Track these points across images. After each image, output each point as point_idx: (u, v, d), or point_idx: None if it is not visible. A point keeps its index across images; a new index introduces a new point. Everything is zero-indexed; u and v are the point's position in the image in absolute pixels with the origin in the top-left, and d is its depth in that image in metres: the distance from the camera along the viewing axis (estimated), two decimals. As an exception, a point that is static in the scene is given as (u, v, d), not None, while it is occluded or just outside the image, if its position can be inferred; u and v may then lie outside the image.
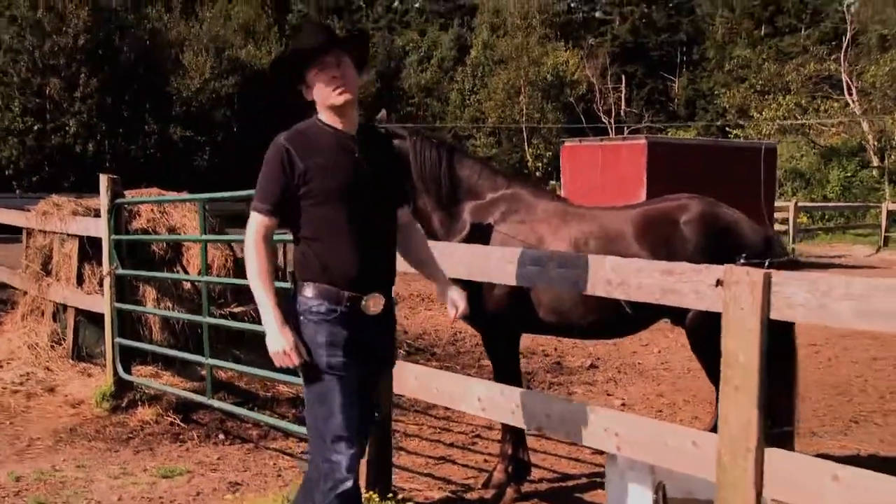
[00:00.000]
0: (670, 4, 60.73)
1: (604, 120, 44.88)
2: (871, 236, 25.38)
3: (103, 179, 6.42)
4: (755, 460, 2.80)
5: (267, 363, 6.64)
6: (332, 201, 2.96)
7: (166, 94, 34.91)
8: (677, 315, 4.43)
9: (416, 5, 64.07)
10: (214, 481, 4.98)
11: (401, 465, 5.32)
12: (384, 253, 3.08)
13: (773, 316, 2.79)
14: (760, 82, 35.28)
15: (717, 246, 4.36)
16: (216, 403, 5.85)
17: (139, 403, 6.44)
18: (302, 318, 2.99)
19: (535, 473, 5.09)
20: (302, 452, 5.63)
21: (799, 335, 9.73)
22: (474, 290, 4.39)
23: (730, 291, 2.84)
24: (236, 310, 7.71)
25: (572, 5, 58.63)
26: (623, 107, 50.26)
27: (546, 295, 4.44)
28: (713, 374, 3.35)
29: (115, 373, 6.47)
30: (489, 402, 3.82)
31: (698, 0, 60.73)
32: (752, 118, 34.38)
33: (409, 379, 4.24)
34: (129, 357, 6.66)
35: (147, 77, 34.04)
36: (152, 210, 7.82)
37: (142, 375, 6.81)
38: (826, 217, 28.91)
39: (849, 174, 32.11)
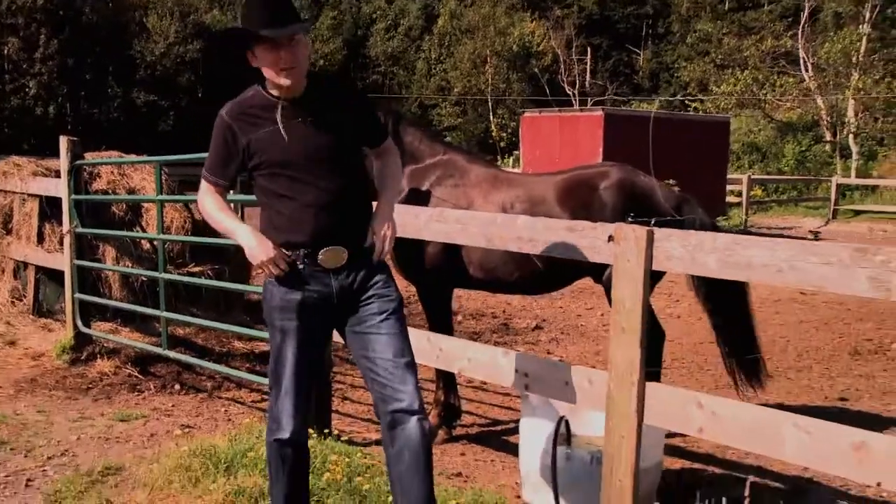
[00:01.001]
0: (634, -23, 60.95)
1: (568, 91, 45.18)
2: (821, 209, 25.98)
3: (63, 141, 6.66)
4: (638, 392, 3.20)
5: (222, 320, 7.00)
6: (279, 171, 2.96)
7: (130, 58, 34.76)
8: (597, 273, 4.83)
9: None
10: (168, 425, 5.31)
11: (345, 412, 5.72)
12: (343, 210, 3.01)
13: (655, 267, 3.18)
14: (720, 57, 35.79)
15: (633, 210, 4.74)
16: (172, 354, 6.18)
17: (98, 356, 6.72)
18: (265, 283, 3.08)
19: (469, 419, 5.51)
20: (252, 402, 6.01)
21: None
22: (411, 248, 4.78)
23: (619, 246, 3.23)
24: (194, 269, 8.00)
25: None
26: (588, 78, 50.54)
27: (476, 253, 4.82)
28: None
29: (75, 327, 6.74)
30: (424, 352, 4.19)
31: (665, -26, 61.08)
32: (711, 92, 34.91)
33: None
34: (88, 313, 6.94)
35: (110, 39, 33.85)
36: (112, 172, 8.07)
37: (101, 331, 7.10)
38: (780, 190, 29.51)
39: (803, 149, 32.73)
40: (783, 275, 2.85)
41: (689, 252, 3.08)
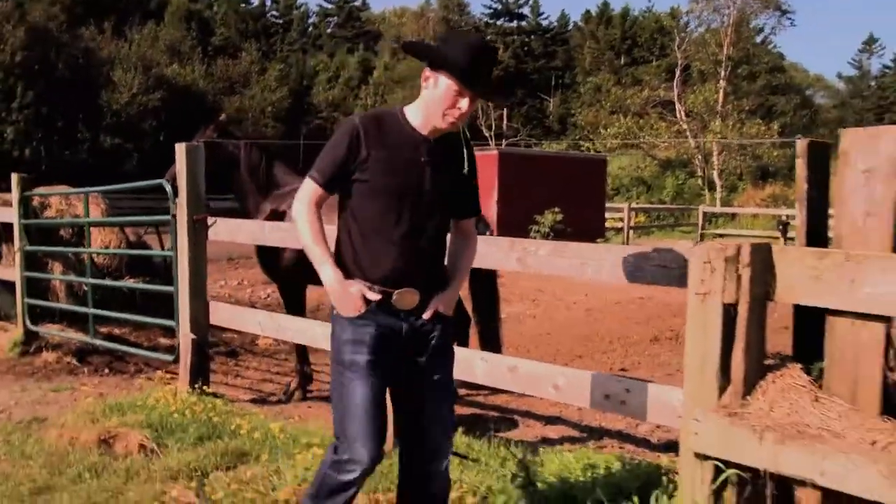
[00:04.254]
0: (547, 35, 63.01)
1: (485, 134, 46.65)
2: (692, 233, 27.56)
3: (14, 177, 7.43)
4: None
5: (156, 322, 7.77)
6: (382, 197, 2.60)
7: (98, 106, 35.04)
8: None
9: (328, 31, 64.81)
10: (91, 394, 6.07)
11: (232, 384, 6.58)
12: (426, 257, 2.68)
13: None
14: (608, 104, 37.64)
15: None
16: (98, 341, 6.97)
17: (44, 349, 7.41)
18: (333, 311, 2.70)
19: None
20: (161, 378, 6.82)
21: (579, 300, 11.42)
22: (271, 254, 5.70)
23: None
24: (129, 282, 8.79)
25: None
26: (505, 122, 52.08)
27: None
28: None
29: (24, 325, 7.48)
30: (268, 326, 5.12)
31: (571, 32, 63.28)
32: (600, 134, 36.65)
33: (218, 311, 5.52)
34: (36, 315, 7.68)
35: (80, 90, 34.12)
36: (61, 202, 8.82)
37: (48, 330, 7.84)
38: (660, 217, 31.12)
39: (680, 181, 34.59)
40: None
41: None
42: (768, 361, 2.86)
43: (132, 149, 35.85)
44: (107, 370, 7.11)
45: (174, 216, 5.49)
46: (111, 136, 35.00)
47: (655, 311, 11.12)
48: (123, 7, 46.21)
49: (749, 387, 2.73)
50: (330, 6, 62.01)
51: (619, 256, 3.26)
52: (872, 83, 68.35)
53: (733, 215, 29.34)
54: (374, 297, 2.60)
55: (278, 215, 5.85)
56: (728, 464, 2.71)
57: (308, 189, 2.70)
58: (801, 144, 2.88)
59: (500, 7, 62.81)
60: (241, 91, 44.14)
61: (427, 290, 2.68)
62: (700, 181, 34.07)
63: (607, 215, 24.88)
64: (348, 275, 2.64)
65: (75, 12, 40.63)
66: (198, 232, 5.39)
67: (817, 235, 2.93)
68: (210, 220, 5.44)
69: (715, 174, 32.88)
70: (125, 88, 36.24)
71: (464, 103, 2.56)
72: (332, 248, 2.71)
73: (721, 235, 26.87)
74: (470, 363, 3.83)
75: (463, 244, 2.87)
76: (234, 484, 3.66)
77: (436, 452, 2.74)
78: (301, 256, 5.72)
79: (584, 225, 20.15)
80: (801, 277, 2.66)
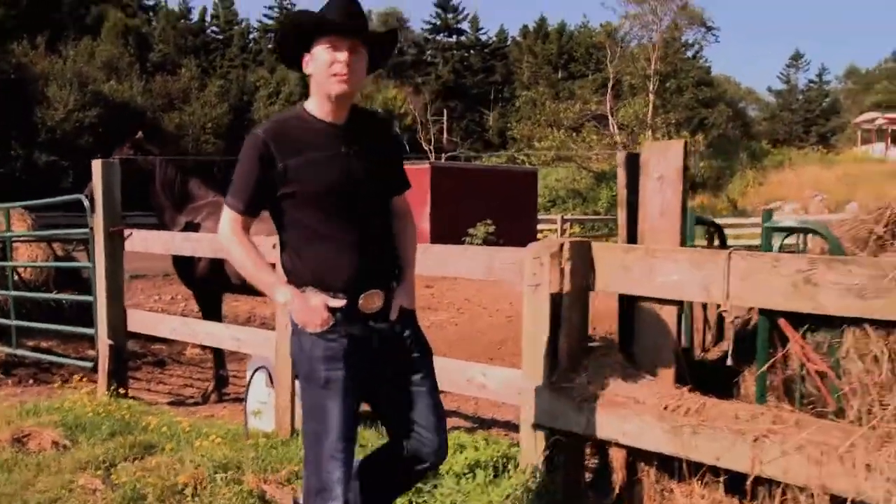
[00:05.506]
0: (486, 50, 63.95)
1: (425, 148, 47.22)
2: (624, 241, 28.41)
3: (-64, 194, 7.61)
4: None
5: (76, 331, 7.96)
6: (318, 203, 2.42)
7: (32, 123, 34.62)
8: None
9: (270, 46, 64.75)
10: (15, 403, 6.31)
11: (155, 389, 6.85)
12: (379, 249, 2.52)
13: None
14: (543, 118, 38.54)
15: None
16: (19, 351, 7.17)
17: (-33, 363, 7.62)
18: (297, 329, 2.50)
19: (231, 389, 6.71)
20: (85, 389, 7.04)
21: (502, 308, 11.91)
22: (187, 263, 6.02)
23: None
24: (56, 295, 8.97)
25: (403, 48, 60.76)
26: (445, 136, 52.74)
27: (232, 266, 6.09)
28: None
29: (-52, 339, 7.64)
30: (180, 330, 5.45)
31: (510, 47, 64.34)
32: (534, 147, 37.48)
33: (134, 317, 5.82)
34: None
35: (12, 107, 33.68)
36: (-14, 219, 8.99)
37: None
38: (595, 227, 31.90)
39: (614, 193, 35.48)
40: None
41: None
42: (594, 343, 3.32)
43: (68, 166, 35.42)
44: (31, 381, 7.29)
45: (91, 229, 5.78)
46: (46, 153, 34.54)
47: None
48: (58, 22, 45.65)
49: (574, 365, 3.18)
50: (271, 22, 62.00)
51: (475, 256, 3.70)
52: (800, 96, 70.82)
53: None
54: (338, 303, 2.43)
55: (193, 227, 6.18)
56: (556, 431, 3.15)
57: (229, 219, 2.49)
58: (620, 156, 3.36)
59: (439, 23, 63.57)
60: (180, 107, 43.90)
61: (388, 288, 2.54)
62: (633, 192, 35.12)
63: (542, 226, 25.49)
64: (306, 288, 2.46)
65: (6, 27, 40.05)
66: (114, 243, 5.69)
67: (636, 234, 3.40)
68: (126, 231, 5.75)
69: (646, 185, 33.92)
70: (60, 104, 35.86)
71: (341, 55, 2.37)
72: (280, 266, 2.58)
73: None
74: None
75: (402, 227, 2.68)
76: (139, 472, 3.99)
77: (435, 448, 2.61)
78: (214, 265, 6.09)
79: (516, 235, 20.64)
80: (614, 269, 3.12)
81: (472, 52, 62.95)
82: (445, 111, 53.94)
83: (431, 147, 47.60)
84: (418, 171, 20.64)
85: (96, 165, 5.70)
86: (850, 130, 54.48)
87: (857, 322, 2.55)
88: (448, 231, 19.12)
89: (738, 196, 35.63)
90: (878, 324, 2.49)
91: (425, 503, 3.46)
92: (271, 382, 5.06)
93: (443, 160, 40.13)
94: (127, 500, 3.70)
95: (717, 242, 4.23)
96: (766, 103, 74.66)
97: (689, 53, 46.19)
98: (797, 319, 2.77)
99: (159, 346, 8.65)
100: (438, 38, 63.70)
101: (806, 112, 68.32)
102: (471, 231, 19.67)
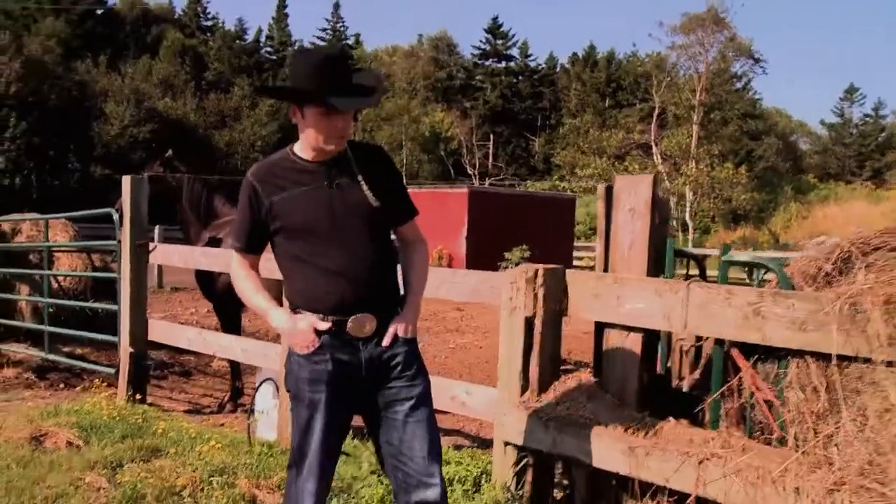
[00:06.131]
0: (535, 76, 64.23)
1: (469, 172, 47.57)
2: (664, 274, 28.25)
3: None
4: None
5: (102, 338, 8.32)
6: (300, 236, 2.55)
7: (89, 137, 35.86)
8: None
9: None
10: (41, 403, 6.63)
11: (175, 398, 7.11)
12: (369, 277, 2.56)
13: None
14: (585, 145, 38.60)
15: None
16: (51, 356, 7.50)
17: (5, 366, 7.94)
18: (290, 350, 2.65)
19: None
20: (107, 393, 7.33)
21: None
22: (208, 277, 6.28)
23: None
24: (83, 303, 9.35)
25: (453, 73, 61.41)
26: (490, 161, 53.04)
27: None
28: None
29: (-12, 343, 8.03)
30: (195, 341, 5.69)
31: (559, 74, 64.57)
32: (577, 175, 37.51)
33: (155, 327, 6.09)
34: (2, 334, 8.22)
35: (72, 122, 34.96)
36: (31, 228, 9.42)
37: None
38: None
39: (656, 222, 35.32)
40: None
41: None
42: (567, 367, 3.45)
43: (121, 179, 36.66)
44: (62, 385, 7.61)
45: (119, 241, 6.08)
46: (101, 167, 35.68)
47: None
48: (119, 41, 47.25)
49: (544, 386, 3.32)
50: (323, 44, 63.19)
51: (465, 280, 3.86)
52: (854, 131, 69.63)
53: (705, 256, 29.96)
54: (324, 325, 2.52)
55: (215, 242, 6.44)
56: (525, 449, 3.29)
57: (235, 259, 2.75)
58: (600, 188, 3.50)
59: (488, 48, 64.11)
60: (231, 125, 45.03)
61: (382, 313, 2.58)
62: (674, 222, 34.94)
63: (582, 254, 25.50)
64: (301, 310, 2.58)
65: (72, 45, 41.62)
66: (139, 255, 5.99)
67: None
68: (150, 245, 6.03)
69: (687, 216, 33.73)
70: (116, 120, 37.10)
71: (338, 121, 2.48)
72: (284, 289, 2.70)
73: (690, 276, 27.51)
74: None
75: (409, 255, 2.77)
76: (143, 473, 4.20)
77: (423, 480, 2.58)
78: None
79: (552, 261, 20.66)
80: (586, 296, 3.26)
81: (520, 77, 63.28)
82: (492, 136, 54.31)
83: (476, 171, 47.92)
84: (456, 196, 20.83)
85: (126, 181, 6.01)
86: (903, 166, 53.46)
87: (800, 354, 2.65)
88: (484, 255, 19.26)
89: (781, 229, 35.21)
90: (817, 356, 2.58)
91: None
92: (277, 394, 5.27)
93: (486, 185, 40.38)
94: (127, 499, 3.91)
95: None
96: (819, 137, 73.54)
97: (738, 85, 45.93)
98: (750, 350, 2.87)
99: (188, 357, 8.93)
100: (487, 63, 64.19)
101: (860, 146, 67.06)
102: (507, 255, 19.78)
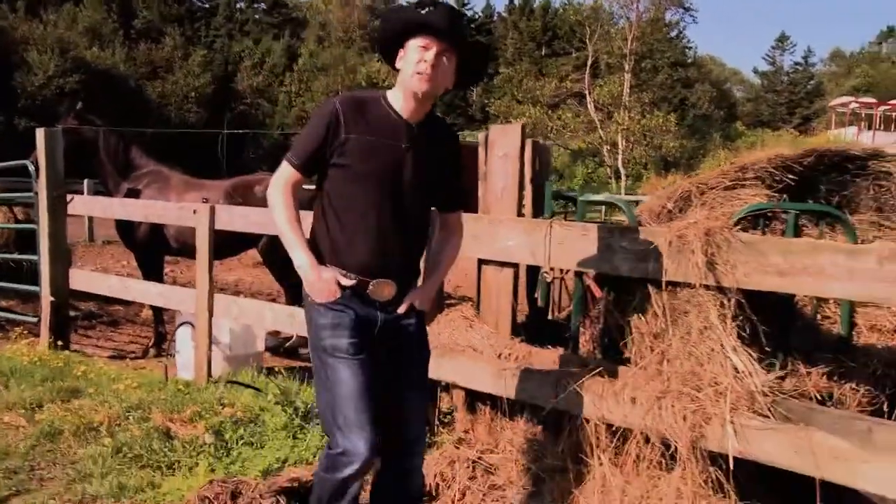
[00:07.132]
0: (472, 25, 63.82)
1: (406, 122, 47.34)
2: (597, 218, 28.93)
3: None
4: (208, 300, 4.95)
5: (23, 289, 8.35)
6: (362, 182, 2.48)
7: (11, 88, 34.63)
8: (256, 244, 6.56)
9: (256, 16, 64.53)
10: (-36, 354, 6.73)
11: (101, 345, 7.26)
12: (402, 246, 2.55)
13: (217, 227, 4.93)
14: (519, 94, 38.87)
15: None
16: (-26, 308, 7.56)
17: (-72, 318, 8.00)
18: (307, 300, 2.57)
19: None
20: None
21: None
22: (129, 226, 6.42)
23: (200, 216, 4.97)
24: (17, 256, 9.34)
25: (389, 22, 60.55)
26: (428, 111, 52.80)
27: (171, 229, 6.48)
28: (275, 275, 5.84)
29: None
30: (115, 287, 5.85)
31: (496, 23, 64.34)
32: (510, 124, 37.64)
33: (76, 276, 6.23)
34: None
35: (-8, 72, 33.76)
36: (-50, 182, 9.34)
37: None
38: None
39: (590, 170, 36.03)
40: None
41: (231, 218, 4.85)
42: (452, 301, 3.76)
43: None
44: (-13, 335, 7.68)
45: (36, 193, 6.16)
46: (26, 119, 34.56)
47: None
48: (39, -14, 45.36)
49: (430, 317, 3.61)
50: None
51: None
52: (784, 78, 71.22)
53: (637, 202, 30.72)
54: (349, 282, 2.49)
55: (134, 193, 6.56)
56: (413, 375, 3.58)
57: (283, 172, 2.55)
58: (481, 136, 3.77)
59: (426, -3, 63.33)
60: (163, 76, 43.89)
61: (403, 283, 2.57)
62: (608, 170, 35.67)
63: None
64: (323, 262, 2.52)
65: (-14, -9, 39.87)
66: (57, 207, 6.08)
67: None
68: (68, 196, 6.13)
69: (619, 164, 34.46)
70: (41, 71, 35.84)
71: (429, 55, 2.42)
72: (308, 234, 2.59)
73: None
74: (260, 314, 4.68)
75: (447, 239, 2.78)
76: (62, 411, 4.41)
77: (413, 448, 2.64)
78: (153, 229, 6.48)
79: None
80: (466, 237, 3.54)
81: (457, 26, 62.80)
82: (428, 85, 53.95)
83: (413, 121, 47.82)
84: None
85: (40, 133, 6.07)
86: (826, 114, 55.08)
87: (643, 282, 2.99)
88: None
89: (710, 176, 36.16)
90: (655, 283, 2.92)
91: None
92: (194, 336, 5.49)
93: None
94: (44, 435, 4.13)
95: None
96: (752, 84, 75.05)
97: (672, 34, 46.49)
98: (608, 282, 3.21)
99: (116, 307, 9.03)
100: (423, 12, 63.39)
101: (790, 94, 68.73)
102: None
